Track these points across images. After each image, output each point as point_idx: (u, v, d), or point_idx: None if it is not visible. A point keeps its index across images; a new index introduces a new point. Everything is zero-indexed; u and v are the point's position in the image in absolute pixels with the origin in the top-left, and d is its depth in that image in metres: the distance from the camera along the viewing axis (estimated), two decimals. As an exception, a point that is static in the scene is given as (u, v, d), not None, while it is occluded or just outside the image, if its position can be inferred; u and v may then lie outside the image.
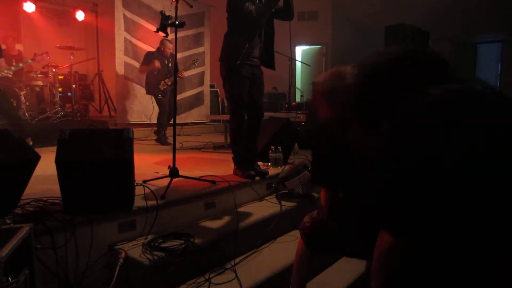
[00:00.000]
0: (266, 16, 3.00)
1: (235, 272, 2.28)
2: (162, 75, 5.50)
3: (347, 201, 1.49)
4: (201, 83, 7.61)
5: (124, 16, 6.16)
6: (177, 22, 2.67)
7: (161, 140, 5.52)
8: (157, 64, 5.39)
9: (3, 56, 4.14)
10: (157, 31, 2.71)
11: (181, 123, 6.83)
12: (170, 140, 5.60)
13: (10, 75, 5.07)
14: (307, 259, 2.02)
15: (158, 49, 5.65)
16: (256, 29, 3.07)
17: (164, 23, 2.64)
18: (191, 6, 2.98)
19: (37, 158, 2.06)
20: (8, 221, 1.76)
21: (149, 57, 5.52)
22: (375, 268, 1.04)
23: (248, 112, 3.20)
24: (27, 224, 1.55)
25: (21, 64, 4.46)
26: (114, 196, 2.14)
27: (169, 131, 5.79)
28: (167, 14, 2.70)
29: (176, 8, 2.71)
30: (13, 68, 4.24)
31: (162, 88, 5.48)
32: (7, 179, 1.88)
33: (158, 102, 5.60)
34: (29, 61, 4.65)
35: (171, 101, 5.66)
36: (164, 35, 2.74)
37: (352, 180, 1.14)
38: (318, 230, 1.90)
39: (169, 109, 5.56)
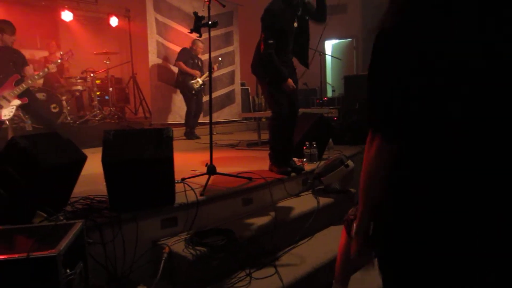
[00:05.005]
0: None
1: (275, 267, 2.30)
2: (189, 73, 5.85)
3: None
4: (231, 81, 7.68)
5: (156, 19, 6.31)
6: (210, 22, 2.71)
7: (187, 135, 5.91)
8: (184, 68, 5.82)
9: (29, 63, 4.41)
10: (191, 31, 2.76)
11: (214, 122, 6.92)
12: (197, 135, 5.94)
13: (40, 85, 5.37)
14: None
15: (191, 47, 5.98)
16: (289, 41, 3.14)
17: (198, 23, 2.69)
18: (224, 6, 3.03)
19: (84, 158, 2.16)
20: (61, 218, 1.86)
21: (185, 54, 5.90)
22: (362, 180, 0.99)
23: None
24: (79, 220, 1.63)
25: (49, 67, 4.70)
26: (156, 193, 2.21)
27: (201, 130, 6.01)
28: (199, 15, 2.74)
29: (209, 8, 2.75)
30: (41, 73, 4.50)
31: (196, 87, 5.77)
32: (60, 178, 1.99)
33: (186, 100, 5.92)
34: (58, 61, 4.89)
35: (199, 100, 5.89)
36: (198, 35, 2.78)
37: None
38: None
39: (196, 108, 5.93)
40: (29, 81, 4.12)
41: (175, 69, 6.57)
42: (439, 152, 0.89)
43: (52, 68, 4.62)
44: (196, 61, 5.99)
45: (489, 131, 0.85)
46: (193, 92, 5.83)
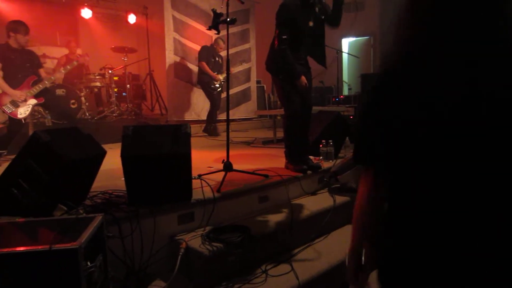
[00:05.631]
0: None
1: (290, 264, 2.29)
2: (214, 70, 5.93)
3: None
4: (247, 79, 7.68)
5: (173, 16, 6.35)
6: (228, 19, 2.72)
7: (209, 131, 5.95)
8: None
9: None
10: (209, 28, 2.77)
11: (230, 119, 6.95)
12: (219, 132, 5.99)
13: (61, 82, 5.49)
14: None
15: (212, 45, 6.07)
16: (303, 40, 3.12)
17: (217, 20, 2.70)
18: (243, 2, 3.03)
19: (104, 152, 2.20)
20: (81, 211, 1.90)
21: (206, 52, 5.96)
22: (355, 210, 1.04)
23: (303, 111, 3.22)
24: (99, 214, 1.66)
25: (68, 67, 4.84)
26: (173, 188, 2.23)
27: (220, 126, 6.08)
28: (218, 12, 2.75)
29: (227, 5, 2.76)
30: (62, 70, 4.62)
31: (217, 84, 5.89)
32: (80, 172, 2.02)
33: (208, 96, 6.00)
34: (74, 63, 5.03)
35: (217, 97, 5.97)
36: (216, 32, 2.79)
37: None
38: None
39: (217, 105, 6.02)
40: (46, 82, 4.22)
41: (192, 67, 6.61)
42: (424, 187, 0.91)
43: (66, 70, 4.75)
44: (217, 59, 6.06)
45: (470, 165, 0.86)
46: (214, 90, 5.90)
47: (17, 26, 4.10)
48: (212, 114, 6.06)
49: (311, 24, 3.12)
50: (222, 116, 6.47)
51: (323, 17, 3.17)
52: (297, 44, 3.08)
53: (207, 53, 5.96)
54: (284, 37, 2.94)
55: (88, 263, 1.35)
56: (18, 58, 4.15)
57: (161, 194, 2.19)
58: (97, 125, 5.60)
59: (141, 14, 8.02)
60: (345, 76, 9.30)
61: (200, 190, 2.42)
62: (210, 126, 6.04)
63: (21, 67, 4.17)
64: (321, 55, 3.30)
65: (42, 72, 4.42)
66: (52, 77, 4.44)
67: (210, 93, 5.98)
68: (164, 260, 2.16)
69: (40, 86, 4.19)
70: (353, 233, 1.07)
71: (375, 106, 0.97)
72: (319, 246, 2.64)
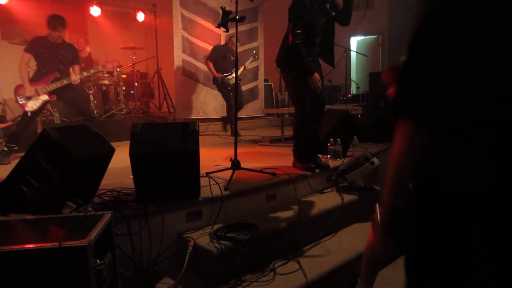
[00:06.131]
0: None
1: (299, 263, 2.28)
2: (228, 69, 5.85)
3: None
4: (255, 77, 7.66)
5: (182, 14, 6.36)
6: (237, 17, 2.70)
7: (232, 132, 5.85)
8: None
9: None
10: (218, 26, 2.76)
11: (238, 117, 6.95)
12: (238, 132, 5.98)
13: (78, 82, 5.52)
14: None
15: (226, 44, 6.05)
16: (316, 36, 3.09)
17: (225, 18, 2.69)
18: (252, 0, 3.01)
19: (112, 150, 2.20)
20: (90, 209, 1.90)
21: (216, 51, 5.92)
22: (391, 164, 0.97)
23: (314, 108, 3.20)
24: (108, 211, 1.66)
25: (92, 71, 4.85)
26: (182, 186, 2.23)
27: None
28: (227, 9, 2.74)
29: (237, 2, 2.75)
30: (85, 73, 4.61)
31: (231, 82, 5.83)
32: (89, 170, 2.03)
33: (224, 97, 5.99)
34: (100, 67, 5.06)
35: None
36: (225, 30, 2.78)
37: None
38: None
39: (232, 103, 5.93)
40: (64, 81, 4.22)
41: (200, 65, 6.60)
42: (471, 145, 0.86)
43: (89, 73, 4.75)
44: (232, 58, 5.95)
45: None
46: (229, 88, 5.83)
47: (51, 21, 4.12)
48: (229, 114, 6.04)
49: (323, 20, 3.10)
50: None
51: (333, 13, 3.14)
52: (310, 40, 3.05)
53: (218, 53, 5.91)
54: (298, 31, 2.91)
55: (97, 261, 1.35)
56: (50, 52, 4.15)
57: (169, 192, 2.19)
58: (105, 123, 5.63)
59: (150, 12, 8.04)
60: (353, 75, 9.24)
61: (208, 188, 2.42)
62: (230, 127, 6.05)
63: (51, 61, 4.17)
64: (330, 54, 3.27)
65: (76, 68, 4.38)
66: (76, 78, 4.39)
67: (226, 94, 5.92)
68: (172, 258, 2.16)
69: (58, 84, 4.19)
70: (388, 187, 1.00)
71: (435, 50, 0.87)
72: (327, 245, 2.63)
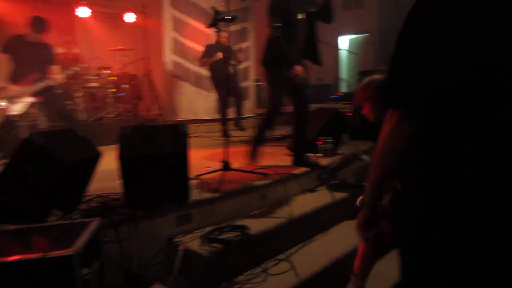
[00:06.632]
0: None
1: (291, 262, 2.28)
2: (226, 64, 5.66)
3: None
4: (246, 77, 7.64)
5: (173, 15, 6.31)
6: (230, 17, 2.69)
7: (239, 126, 5.89)
8: (219, 54, 5.52)
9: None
10: (209, 26, 2.76)
11: (227, 118, 6.91)
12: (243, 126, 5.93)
13: (65, 80, 5.40)
14: (374, 248, 1.97)
15: (217, 41, 5.81)
16: (295, 32, 3.12)
17: (217, 18, 2.68)
18: (243, 0, 3.02)
19: (99, 155, 2.17)
20: (77, 216, 1.87)
21: (210, 49, 5.67)
22: (379, 154, 1.00)
23: (295, 105, 3.25)
24: (96, 218, 1.63)
25: (76, 68, 4.72)
26: (171, 189, 2.21)
27: (214, 126, 5.98)
28: (218, 9, 2.73)
29: (229, 2, 2.74)
30: (67, 72, 4.50)
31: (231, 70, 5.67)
32: (75, 175, 2.00)
33: (221, 96, 5.80)
34: (82, 65, 4.95)
35: (235, 88, 5.87)
36: (216, 30, 2.77)
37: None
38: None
39: (236, 98, 5.87)
40: (47, 81, 4.12)
41: (191, 66, 6.56)
42: (461, 132, 0.87)
43: (71, 71, 4.64)
44: (220, 49, 5.85)
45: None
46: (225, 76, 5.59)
47: (33, 22, 4.03)
48: (239, 108, 5.94)
49: (300, 16, 3.10)
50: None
51: (313, 10, 3.14)
52: (291, 37, 3.07)
53: (210, 50, 5.77)
54: (277, 24, 2.95)
55: (84, 270, 1.33)
56: (30, 51, 4.05)
57: (158, 195, 2.17)
58: (94, 126, 5.54)
59: (140, 13, 7.94)
60: (344, 73, 9.27)
61: (198, 190, 2.40)
62: (238, 122, 6.00)
63: (31, 61, 4.05)
64: (314, 52, 3.26)
65: (54, 69, 4.28)
66: (58, 77, 4.30)
67: (222, 93, 5.72)
68: (163, 263, 2.14)
69: (42, 84, 4.07)
70: (373, 175, 1.05)
71: (427, 41, 0.89)
72: (318, 243, 2.63)
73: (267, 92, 3.38)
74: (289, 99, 3.28)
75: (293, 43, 3.09)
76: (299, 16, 3.10)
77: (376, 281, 2.36)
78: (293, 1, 3.03)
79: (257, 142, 3.41)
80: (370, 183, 1.07)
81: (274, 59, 3.09)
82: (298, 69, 3.04)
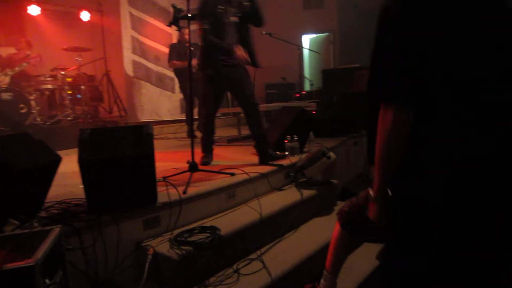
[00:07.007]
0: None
1: (262, 261, 2.27)
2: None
3: None
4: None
5: (130, 14, 6.13)
6: (189, 15, 2.63)
7: (188, 134, 5.62)
8: (194, 61, 5.36)
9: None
10: (170, 24, 2.69)
11: (194, 118, 6.80)
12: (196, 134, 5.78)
13: (7, 81, 5.10)
14: (344, 243, 2.00)
15: (178, 40, 5.67)
16: (223, 34, 3.16)
17: (177, 16, 2.61)
18: None
19: (58, 159, 2.05)
20: (36, 224, 1.76)
21: (176, 49, 5.53)
22: (379, 152, 1.01)
23: (243, 106, 3.40)
24: (57, 226, 1.54)
25: (16, 69, 4.45)
26: (137, 193, 2.13)
27: (179, 127, 5.86)
28: (178, 7, 2.66)
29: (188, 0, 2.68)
30: (9, 72, 4.21)
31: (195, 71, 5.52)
32: (31, 182, 1.88)
33: (185, 94, 5.72)
34: (24, 64, 4.66)
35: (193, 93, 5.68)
36: (177, 28, 2.70)
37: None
38: (355, 216, 1.88)
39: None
40: None
41: (152, 66, 6.41)
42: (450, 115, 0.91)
43: (14, 71, 4.37)
44: (185, 48, 5.67)
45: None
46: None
47: None
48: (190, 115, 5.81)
49: (232, 19, 3.15)
50: (183, 116, 6.34)
51: (240, 14, 3.18)
52: (219, 37, 3.11)
53: (177, 50, 5.63)
54: (205, 27, 2.99)
55: (47, 280, 1.25)
56: None
57: (124, 199, 2.08)
58: (51, 130, 5.26)
59: (95, 11, 7.64)
60: (307, 72, 9.41)
61: (166, 192, 2.33)
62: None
63: None
64: (250, 55, 3.25)
65: None
66: (5, 77, 4.05)
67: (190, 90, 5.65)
68: (131, 269, 2.06)
69: None
70: (379, 172, 1.04)
71: (413, 36, 0.90)
72: (289, 241, 2.65)
73: (201, 94, 3.52)
74: (235, 100, 3.36)
75: (224, 44, 3.14)
76: (232, 19, 3.15)
77: (347, 276, 2.41)
78: (219, 5, 3.05)
79: (206, 149, 3.48)
80: (378, 180, 1.06)
81: (208, 61, 3.18)
82: (238, 51, 3.09)
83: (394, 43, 0.93)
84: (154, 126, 6.31)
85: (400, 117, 0.96)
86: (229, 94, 7.98)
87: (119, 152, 2.03)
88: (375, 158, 1.03)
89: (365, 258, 2.64)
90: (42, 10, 6.95)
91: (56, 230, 1.46)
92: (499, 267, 0.89)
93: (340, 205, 2.83)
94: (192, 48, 4.93)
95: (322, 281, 2.10)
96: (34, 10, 6.78)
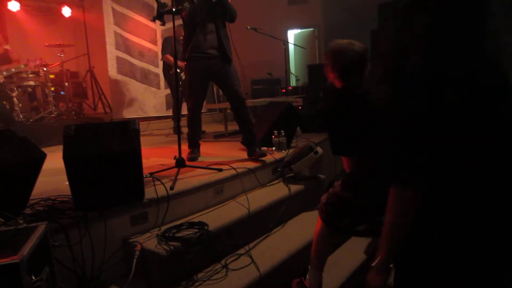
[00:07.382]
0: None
1: (250, 256, 2.28)
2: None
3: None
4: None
5: (113, 9, 6.02)
6: (174, 9, 2.60)
7: (175, 130, 5.55)
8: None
9: None
10: (154, 19, 2.65)
11: (181, 114, 6.75)
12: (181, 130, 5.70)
13: (1, 81, 5.01)
14: (327, 237, 2.02)
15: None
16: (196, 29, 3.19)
17: (161, 11, 2.58)
18: None
19: (43, 156, 2.02)
20: (21, 222, 1.73)
21: (171, 44, 5.32)
22: (387, 227, 1.04)
23: (231, 100, 3.40)
24: (42, 222, 1.52)
25: (13, 70, 4.37)
26: (124, 189, 2.11)
27: (166, 124, 5.78)
28: (162, 1, 2.63)
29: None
30: (5, 73, 4.13)
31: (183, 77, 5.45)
32: (16, 179, 1.84)
33: (173, 93, 5.56)
34: (22, 66, 4.58)
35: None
36: (161, 23, 2.67)
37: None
38: (333, 205, 1.92)
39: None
40: None
41: (136, 62, 6.31)
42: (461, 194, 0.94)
43: (9, 72, 4.28)
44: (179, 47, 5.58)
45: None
46: (180, 83, 5.45)
47: None
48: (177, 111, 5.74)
49: (209, 16, 3.17)
50: (169, 112, 6.28)
51: (211, 12, 3.18)
52: (190, 33, 3.17)
53: (172, 45, 5.48)
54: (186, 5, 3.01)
55: (33, 277, 1.23)
56: None
57: (110, 196, 2.06)
58: (34, 127, 5.17)
59: (77, 7, 7.51)
60: (292, 68, 9.43)
61: (153, 188, 2.32)
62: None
63: None
64: (223, 50, 3.26)
65: None
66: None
67: (175, 89, 5.54)
68: (119, 265, 2.05)
69: None
70: (385, 247, 1.06)
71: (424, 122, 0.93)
72: (277, 236, 2.66)
73: (185, 89, 3.46)
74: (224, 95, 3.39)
75: (199, 42, 3.19)
76: (201, 15, 3.15)
77: (334, 270, 2.44)
78: (191, 4, 3.04)
79: (193, 144, 3.48)
80: (385, 253, 1.07)
81: (187, 57, 3.23)
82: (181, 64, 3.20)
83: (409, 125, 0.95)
84: (140, 123, 6.26)
85: (408, 197, 0.98)
86: (215, 89, 8.05)
87: (105, 149, 2.01)
88: (383, 228, 1.05)
89: (353, 253, 2.68)
90: (22, 6, 6.80)
91: (41, 227, 1.44)
92: (502, 268, 0.92)
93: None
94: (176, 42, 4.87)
95: (308, 276, 2.13)
96: (14, 6, 6.63)
